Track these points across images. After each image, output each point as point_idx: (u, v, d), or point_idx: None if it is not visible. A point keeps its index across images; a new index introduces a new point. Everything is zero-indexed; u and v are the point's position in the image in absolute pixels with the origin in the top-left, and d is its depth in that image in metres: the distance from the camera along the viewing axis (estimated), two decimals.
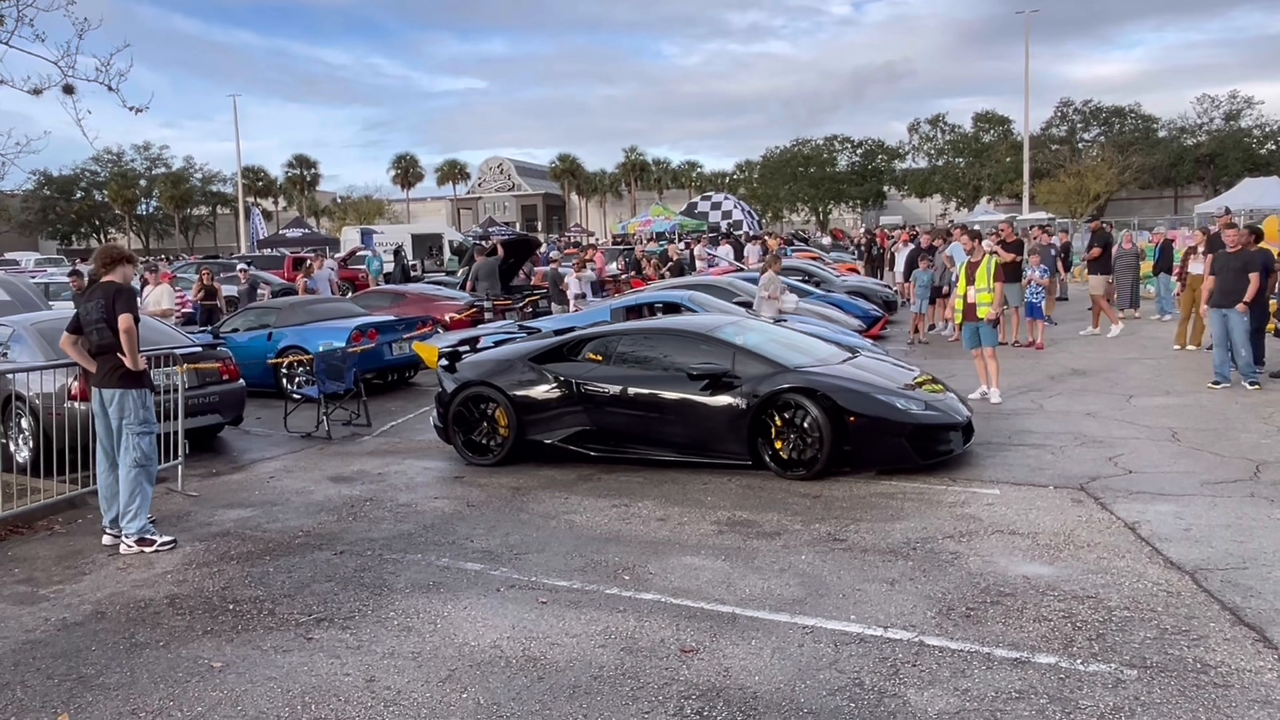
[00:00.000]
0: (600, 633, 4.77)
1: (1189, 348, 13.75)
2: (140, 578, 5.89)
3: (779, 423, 7.58)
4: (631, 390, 8.12)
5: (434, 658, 4.55)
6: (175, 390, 7.95)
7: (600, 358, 8.51)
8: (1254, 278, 10.54)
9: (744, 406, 7.67)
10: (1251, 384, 10.54)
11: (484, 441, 8.63)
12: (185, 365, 8.31)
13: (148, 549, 6.36)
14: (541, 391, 8.42)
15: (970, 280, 10.73)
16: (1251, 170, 51.39)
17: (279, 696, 4.20)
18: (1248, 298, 10.54)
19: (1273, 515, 6.15)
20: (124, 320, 6.29)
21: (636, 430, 8.14)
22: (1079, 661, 4.23)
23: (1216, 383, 10.68)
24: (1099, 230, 18.05)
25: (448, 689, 4.22)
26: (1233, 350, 10.66)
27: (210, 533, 6.82)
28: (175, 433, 7.99)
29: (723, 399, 7.77)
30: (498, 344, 9.67)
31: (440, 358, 9.23)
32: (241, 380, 10.20)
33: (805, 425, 7.49)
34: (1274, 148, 63.00)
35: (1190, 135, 65.72)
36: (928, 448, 7.60)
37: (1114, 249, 17.39)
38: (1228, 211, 16.69)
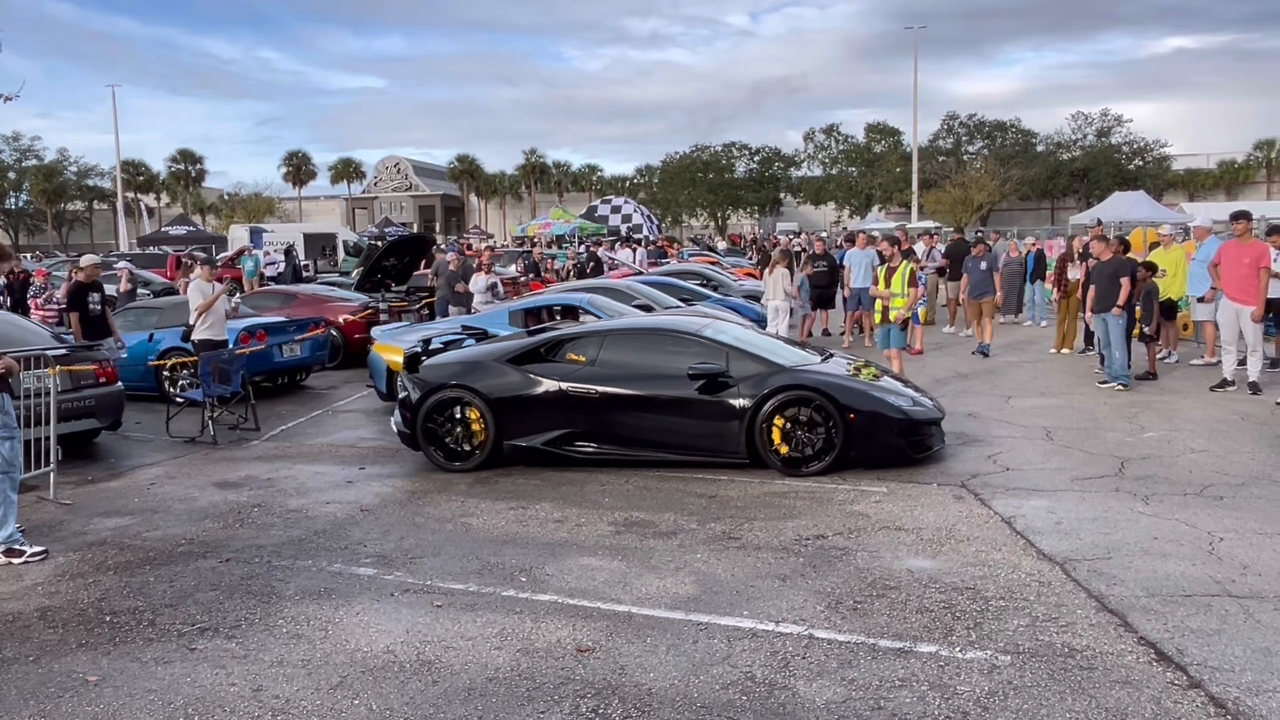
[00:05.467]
0: (496, 635, 4.75)
1: (1064, 351, 14.49)
2: (8, 590, 5.58)
3: (780, 421, 7.59)
4: (621, 390, 7.98)
5: (324, 665, 4.46)
6: (47, 394, 7.56)
7: (583, 359, 8.33)
8: (1125, 282, 11.23)
9: (741, 406, 7.68)
10: (1121, 385, 11.16)
11: (459, 447, 8.29)
12: (58, 367, 7.92)
13: (16, 560, 6.03)
14: (523, 393, 8.18)
15: (887, 284, 11.37)
16: (1121, 185, 54.26)
17: (160, 709, 4.05)
18: (1120, 301, 11.21)
19: (1135, 509, 6.55)
20: None
21: (628, 432, 8.02)
22: (958, 649, 4.43)
23: (1117, 383, 11.20)
24: (959, 240, 19.12)
25: (339, 696, 4.14)
26: (1108, 352, 11.30)
27: (85, 542, 6.52)
28: (47, 438, 7.60)
29: (719, 398, 7.75)
30: (447, 345, 9.42)
31: (405, 360, 8.92)
32: (120, 383, 9.76)
33: (807, 423, 7.57)
34: (1141, 164, 66.68)
35: (1066, 150, 68.96)
36: (919, 442, 7.82)
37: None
38: (1099, 223, 17.72)
